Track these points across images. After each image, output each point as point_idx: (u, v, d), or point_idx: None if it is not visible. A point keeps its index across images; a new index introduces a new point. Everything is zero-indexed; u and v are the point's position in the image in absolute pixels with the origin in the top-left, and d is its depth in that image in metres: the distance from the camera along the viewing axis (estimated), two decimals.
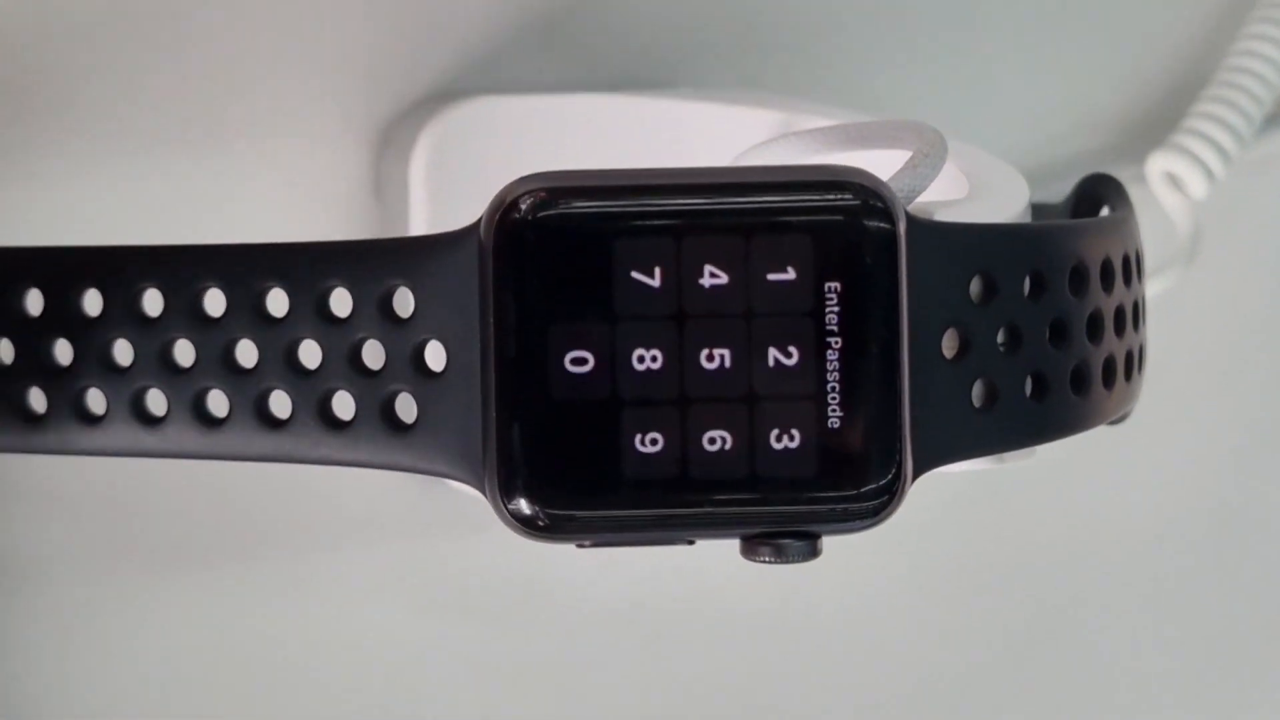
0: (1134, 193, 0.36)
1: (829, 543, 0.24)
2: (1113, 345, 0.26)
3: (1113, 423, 0.28)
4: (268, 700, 0.35)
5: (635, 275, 0.24)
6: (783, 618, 0.38)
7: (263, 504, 0.34)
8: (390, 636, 0.35)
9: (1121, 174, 0.37)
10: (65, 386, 0.25)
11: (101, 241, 0.26)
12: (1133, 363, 0.27)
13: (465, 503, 0.34)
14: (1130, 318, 0.27)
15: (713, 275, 0.24)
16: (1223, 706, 0.42)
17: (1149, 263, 0.35)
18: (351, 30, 0.33)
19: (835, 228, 0.24)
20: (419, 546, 0.35)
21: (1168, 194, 0.38)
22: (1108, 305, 0.26)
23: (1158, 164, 0.38)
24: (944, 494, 0.37)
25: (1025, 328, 0.25)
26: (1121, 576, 0.41)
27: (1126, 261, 0.27)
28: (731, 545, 0.25)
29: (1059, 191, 0.36)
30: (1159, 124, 0.39)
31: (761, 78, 0.36)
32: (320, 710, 0.35)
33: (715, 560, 0.33)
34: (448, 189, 0.32)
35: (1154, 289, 0.38)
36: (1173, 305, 0.38)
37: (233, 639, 0.35)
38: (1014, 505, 0.40)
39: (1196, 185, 0.38)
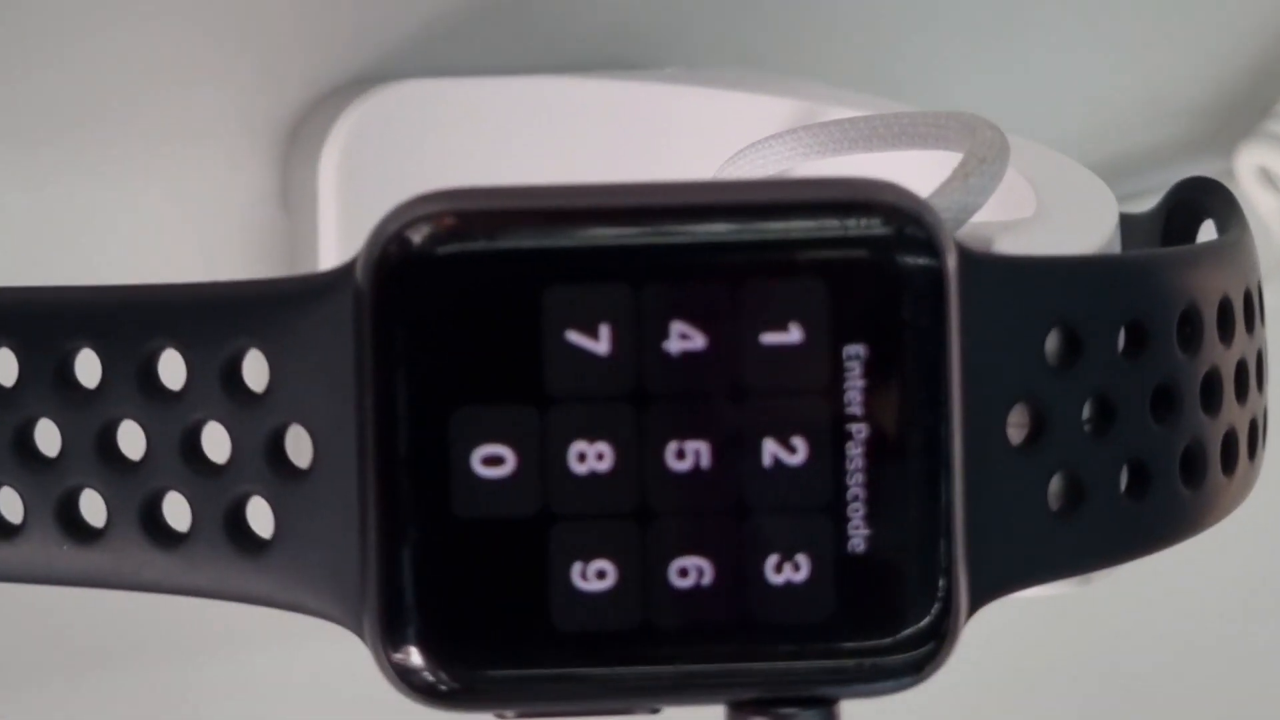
0: None
1: (850, 708, 0.20)
2: (1234, 414, 0.23)
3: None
4: None
5: (574, 338, 0.20)
6: None
7: (131, 609, 0.32)
8: None
9: (1205, 169, 0.36)
10: None
11: None
12: (1256, 435, 0.24)
13: None
14: (1254, 375, 0.23)
15: (684, 337, 0.20)
16: None
17: None
18: (250, 9, 0.32)
19: (858, 267, 0.20)
20: (310, 649, 0.33)
21: (1262, 194, 0.37)
22: (1227, 360, 0.23)
23: (1249, 157, 0.37)
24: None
25: (1121, 398, 0.21)
26: (1223, 680, 0.38)
27: (1248, 299, 0.23)
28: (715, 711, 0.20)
29: (1131, 194, 0.35)
30: (1249, 110, 0.38)
31: (764, 57, 0.34)
32: None
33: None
34: (367, 197, 0.29)
35: None
36: (1269, 326, 0.35)
37: None
38: (1078, 611, 0.37)
39: None
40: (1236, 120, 0.38)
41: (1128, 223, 0.27)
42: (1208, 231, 0.28)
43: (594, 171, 0.29)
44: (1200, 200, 0.26)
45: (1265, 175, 0.37)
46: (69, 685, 0.33)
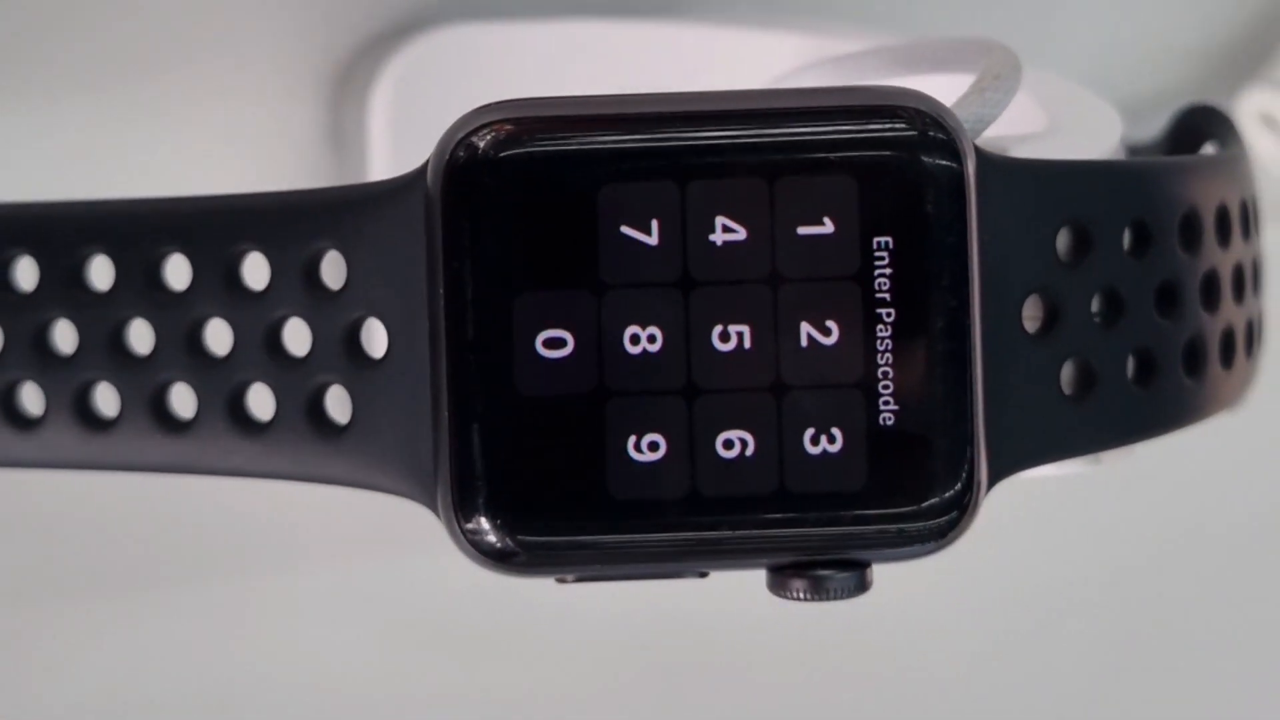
0: None
1: (880, 572, 0.21)
2: (1231, 313, 0.24)
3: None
4: None
5: (627, 231, 0.21)
6: (810, 651, 0.37)
7: (203, 522, 0.33)
8: (353, 668, 0.35)
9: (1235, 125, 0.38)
10: None
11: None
12: (1253, 335, 0.25)
13: (415, 516, 0.33)
14: (1250, 279, 0.25)
15: (727, 230, 0.21)
16: None
17: None
18: None
19: (885, 166, 0.21)
20: (386, 563, 0.34)
21: (1264, 138, 0.37)
22: (1225, 263, 0.24)
23: (1252, 101, 0.37)
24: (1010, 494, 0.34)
25: (1128, 292, 0.22)
26: (1220, 589, 0.39)
27: (1245, 209, 0.25)
28: (755, 576, 0.21)
29: (1138, 135, 0.36)
30: (1251, 55, 0.38)
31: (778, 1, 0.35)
32: None
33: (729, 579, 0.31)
34: (415, 136, 0.29)
35: None
36: (1269, 270, 0.36)
37: (175, 664, 0.34)
38: (1090, 503, 0.38)
39: None
40: (1239, 65, 0.38)
41: (1139, 147, 0.28)
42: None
43: None
44: (1202, 124, 0.27)
45: (1266, 119, 0.37)
46: (136, 598, 0.34)
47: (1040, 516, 0.38)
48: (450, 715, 0.36)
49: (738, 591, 0.32)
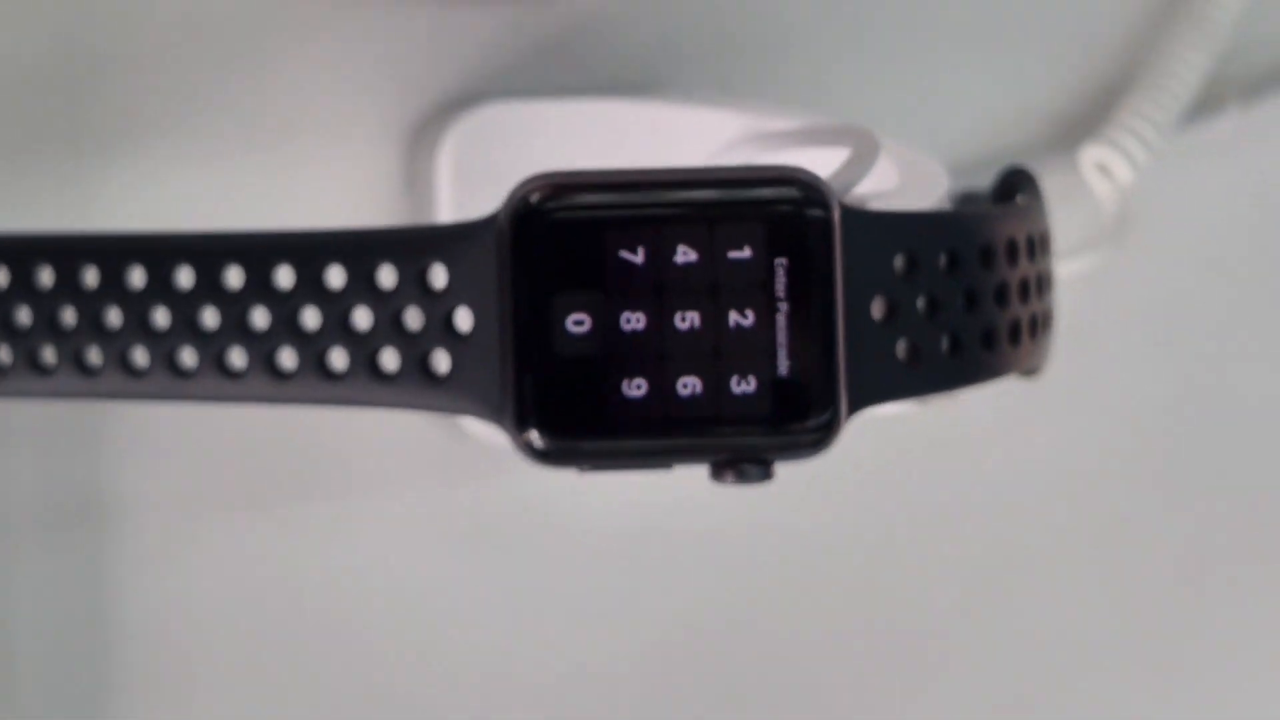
0: (1068, 179, 0.40)
1: (811, 481, 0.27)
2: (1018, 311, 0.29)
3: (1027, 375, 0.30)
4: (315, 627, 0.37)
5: (623, 254, 0.26)
6: (770, 549, 0.40)
7: (313, 453, 0.36)
8: (420, 568, 0.37)
9: (1056, 162, 0.41)
10: (162, 347, 0.28)
11: (187, 227, 0.29)
12: (1037, 325, 0.29)
13: (485, 451, 0.37)
14: (1035, 287, 0.29)
15: (684, 253, 0.26)
16: (1158, 642, 0.43)
17: (1082, 242, 0.39)
18: (383, 45, 0.35)
19: (783, 215, 0.26)
20: (446, 488, 0.37)
21: (1098, 181, 0.40)
22: (1013, 277, 0.28)
23: (1089, 154, 0.40)
24: (903, 446, 0.40)
25: (942, 297, 0.27)
26: (1061, 523, 0.42)
27: (1031, 241, 0.29)
28: (729, 490, 0.27)
29: (982, 182, 0.38)
30: (1090, 118, 0.41)
31: (733, 79, 0.38)
32: (363, 634, 0.37)
33: (706, 501, 0.36)
34: (468, 182, 0.34)
35: (1084, 266, 0.40)
36: (1104, 282, 0.40)
37: (284, 571, 0.36)
38: (971, 462, 0.41)
39: (1123, 173, 0.40)
40: (1083, 126, 0.41)
41: (977, 196, 0.33)
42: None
43: (628, 160, 0.32)
44: (1014, 181, 0.31)
45: (1101, 168, 0.40)
46: (254, 515, 0.36)
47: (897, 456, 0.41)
48: (484, 610, 0.38)
49: (706, 508, 0.37)
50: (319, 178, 0.35)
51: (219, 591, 0.36)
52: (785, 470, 0.27)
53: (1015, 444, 0.42)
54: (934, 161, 0.31)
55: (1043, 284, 0.30)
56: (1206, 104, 0.42)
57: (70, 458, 0.35)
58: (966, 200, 0.32)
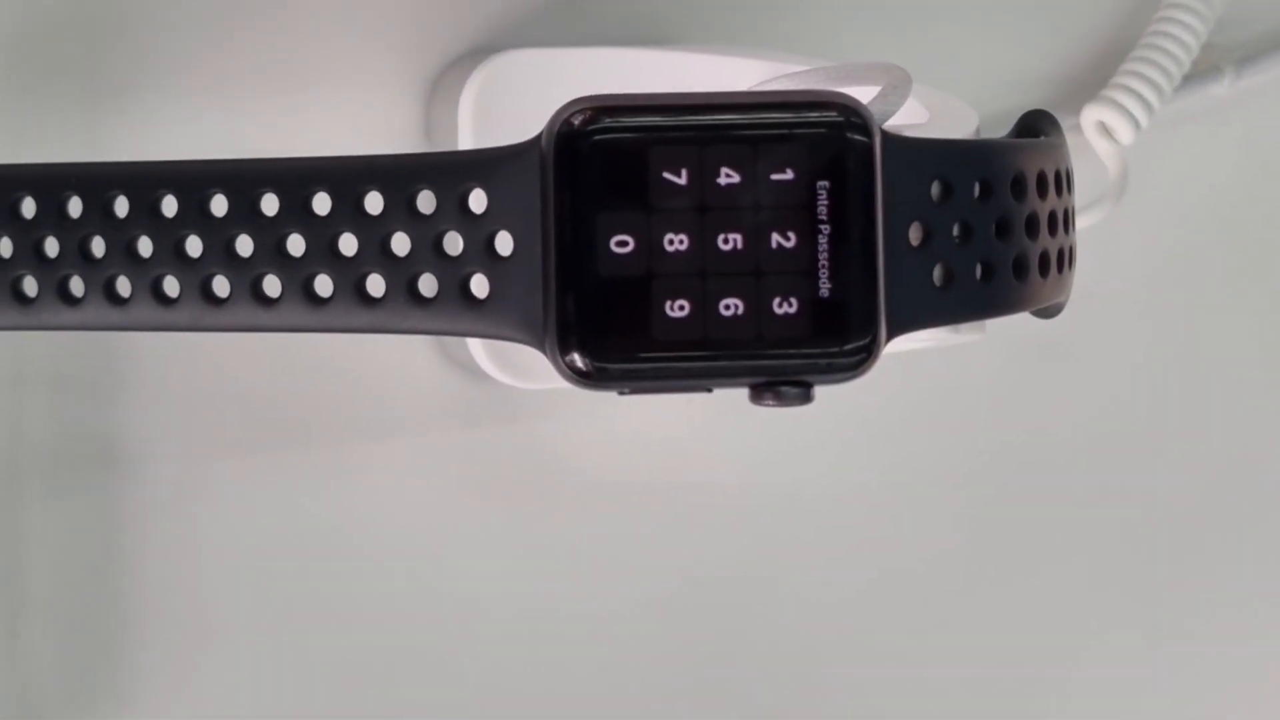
0: (1070, 140, 0.36)
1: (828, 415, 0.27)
2: (1047, 243, 0.29)
3: (1046, 314, 0.31)
4: (326, 572, 0.37)
5: (666, 175, 0.27)
6: (778, 502, 0.40)
7: (324, 398, 0.36)
8: (429, 514, 0.37)
9: (1059, 123, 0.39)
10: (194, 275, 0.28)
11: None
12: (1064, 259, 0.30)
13: (500, 392, 0.37)
14: (1061, 222, 0.30)
15: (728, 175, 0.27)
16: (1151, 585, 0.44)
17: (1083, 200, 0.39)
18: None
19: (825, 138, 0.27)
20: (456, 434, 0.37)
21: (1099, 141, 0.40)
22: (1043, 210, 0.29)
23: (1091, 115, 0.40)
24: (906, 403, 0.40)
25: (975, 224, 0.28)
26: (1065, 473, 0.43)
27: (1059, 176, 0.30)
28: (739, 443, 0.29)
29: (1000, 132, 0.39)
30: (1092, 81, 0.42)
31: (742, 36, 0.39)
32: (369, 580, 0.37)
33: (718, 450, 0.37)
34: (490, 130, 0.34)
35: (1087, 222, 0.40)
36: (1104, 237, 0.40)
37: (296, 515, 0.36)
38: (971, 419, 0.42)
39: (1124, 133, 0.40)
40: (1084, 88, 0.41)
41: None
42: None
43: None
44: (1037, 123, 0.31)
45: (1103, 127, 0.40)
46: (266, 460, 0.36)
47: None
48: (494, 555, 0.38)
49: (718, 458, 0.38)
50: (339, 126, 0.36)
51: (231, 536, 0.36)
52: (794, 425, 0.28)
53: (1013, 402, 0.42)
54: (963, 103, 0.32)
55: (1069, 219, 0.30)
56: (1202, 69, 0.43)
57: (82, 403, 0.35)
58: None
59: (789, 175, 0.27)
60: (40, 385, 0.35)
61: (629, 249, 0.27)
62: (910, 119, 0.31)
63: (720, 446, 0.37)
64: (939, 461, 0.42)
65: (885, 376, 0.29)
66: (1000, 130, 0.38)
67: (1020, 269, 0.29)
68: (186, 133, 0.35)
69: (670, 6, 0.38)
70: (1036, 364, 0.41)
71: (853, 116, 0.27)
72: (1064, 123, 0.38)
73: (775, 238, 0.27)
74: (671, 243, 0.27)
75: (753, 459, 0.38)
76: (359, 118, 0.36)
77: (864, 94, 0.29)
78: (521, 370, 0.34)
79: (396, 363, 0.36)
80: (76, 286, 0.28)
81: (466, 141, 0.35)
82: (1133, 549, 0.43)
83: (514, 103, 0.35)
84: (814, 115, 0.27)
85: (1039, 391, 0.42)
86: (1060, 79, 0.42)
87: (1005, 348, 0.39)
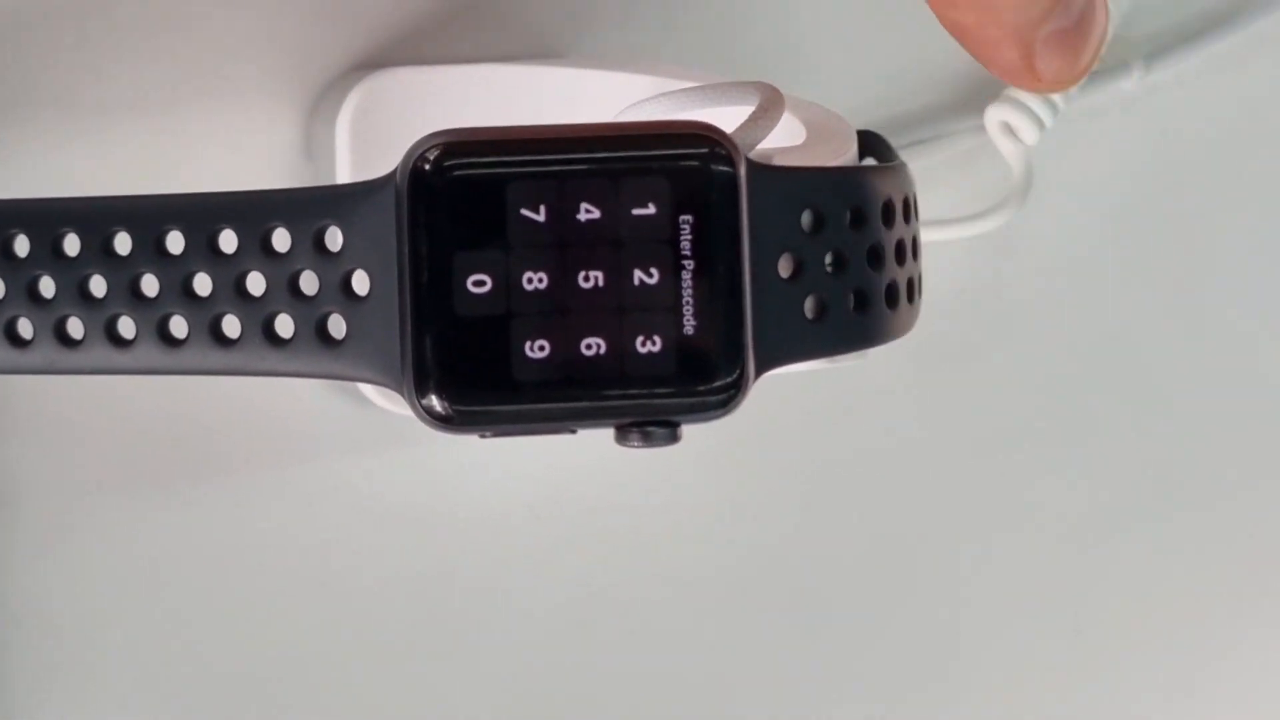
0: (974, 140, 0.40)
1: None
2: (911, 269, 0.29)
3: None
4: (215, 605, 0.37)
5: (524, 212, 0.26)
6: (678, 517, 0.40)
7: (213, 427, 0.36)
8: (325, 543, 0.38)
9: (963, 124, 0.41)
10: (48, 316, 0.27)
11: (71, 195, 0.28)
12: (915, 287, 0.30)
13: (389, 420, 0.37)
14: (911, 248, 0.29)
15: (588, 211, 0.26)
16: (1060, 606, 0.44)
17: (988, 202, 0.39)
18: (284, 10, 0.35)
19: (688, 171, 0.26)
20: (349, 460, 0.37)
21: (1003, 141, 0.40)
22: (907, 235, 0.29)
23: (994, 114, 0.40)
24: (806, 408, 0.40)
25: (848, 254, 0.28)
26: (967, 479, 0.43)
27: (906, 202, 0.29)
28: (607, 456, 0.27)
29: (908, 144, 0.40)
30: (995, 80, 0.38)
31: (637, 44, 0.39)
32: (263, 613, 0.37)
33: (598, 469, 0.37)
34: (370, 149, 0.34)
35: (992, 225, 0.40)
36: (1009, 238, 0.40)
37: (184, 552, 0.36)
38: (875, 424, 0.42)
39: (1028, 133, 0.40)
40: (987, 88, 0.41)
41: None
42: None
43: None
44: (868, 143, 0.31)
45: (1007, 128, 0.40)
46: (149, 496, 0.36)
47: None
48: (392, 585, 0.38)
49: (598, 478, 0.38)
50: (215, 147, 0.36)
51: (113, 579, 0.36)
52: (688, 437, 0.27)
53: (921, 405, 0.42)
54: (841, 117, 0.31)
55: (917, 246, 0.30)
56: (1110, 64, 0.42)
57: None
58: None
59: (650, 210, 0.26)
60: None
61: (486, 288, 0.26)
62: (786, 139, 0.30)
63: (615, 461, 0.35)
64: (840, 470, 0.42)
65: (776, 386, 0.29)
66: (903, 138, 0.39)
67: (891, 297, 0.29)
68: (55, 160, 0.35)
69: (563, 22, 0.38)
70: (939, 368, 0.41)
71: (716, 148, 0.27)
72: (967, 123, 0.41)
73: (638, 274, 0.26)
74: (530, 281, 0.26)
75: (639, 476, 0.38)
76: (237, 138, 0.36)
77: (739, 114, 0.29)
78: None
79: (284, 389, 0.36)
80: None
81: (344, 162, 0.35)
82: (1036, 555, 0.43)
83: (393, 122, 0.35)
84: (676, 148, 0.27)
85: (943, 397, 0.42)
86: (961, 77, 0.42)
87: (908, 353, 0.38)
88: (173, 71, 0.35)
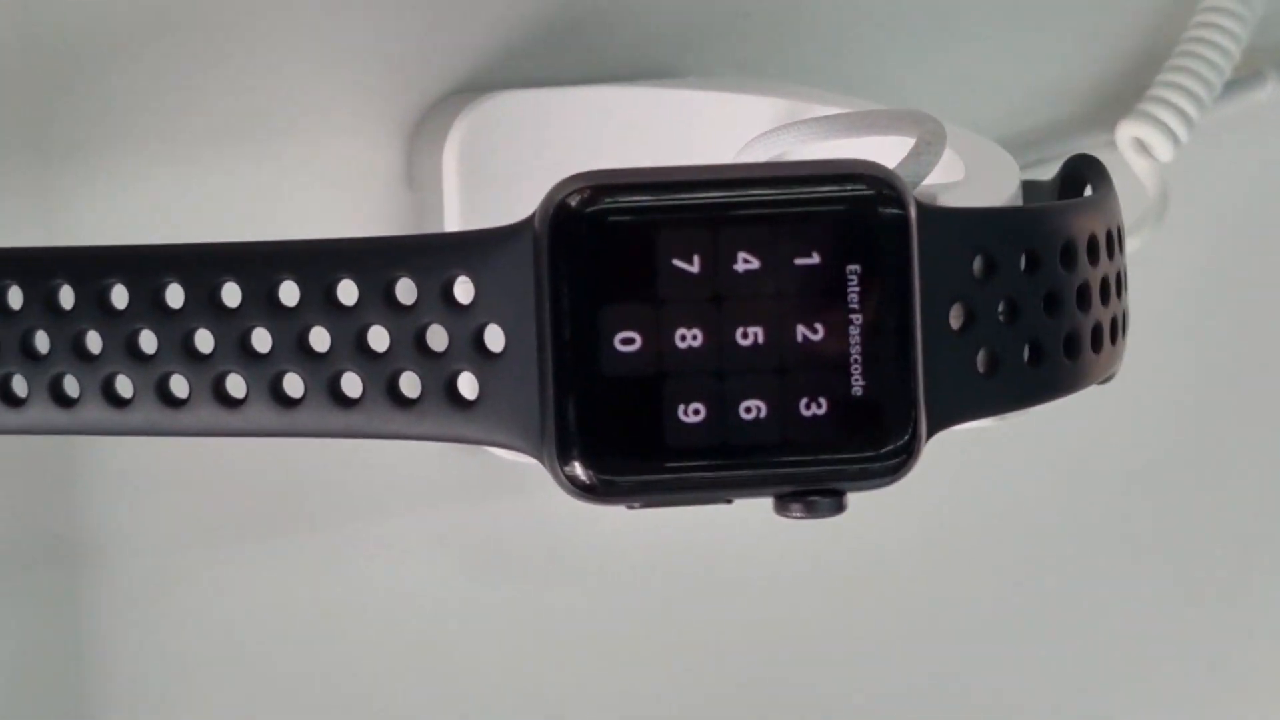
0: (1105, 158, 0.37)
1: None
2: (1099, 313, 0.28)
3: (1100, 382, 0.29)
4: (320, 659, 0.36)
5: (676, 262, 0.25)
6: (799, 573, 0.40)
7: (314, 476, 0.35)
8: (435, 595, 0.37)
9: (1093, 141, 0.41)
10: (149, 373, 0.26)
11: (174, 237, 0.28)
12: (1117, 328, 0.28)
13: (503, 467, 0.36)
14: (1114, 287, 0.28)
15: (746, 261, 0.25)
16: (1195, 615, 0.44)
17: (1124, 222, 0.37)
18: (381, 33, 0.35)
19: (855, 215, 0.25)
20: (460, 510, 0.36)
21: (1137, 159, 0.40)
22: (1094, 277, 0.27)
23: (1127, 131, 0.40)
24: (943, 453, 0.39)
25: (1022, 301, 0.26)
26: (1106, 512, 0.43)
27: (1109, 237, 0.28)
28: (759, 506, 0.26)
29: (1036, 161, 0.39)
30: (1127, 93, 0.41)
31: (752, 63, 0.38)
32: (370, 667, 0.36)
33: (736, 522, 0.35)
34: (478, 179, 0.33)
35: (1128, 248, 0.37)
36: (1145, 261, 0.39)
37: (286, 605, 0.36)
38: (1006, 455, 0.41)
39: (1163, 149, 0.40)
40: (1118, 101, 0.41)
41: (1033, 187, 0.32)
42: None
43: (652, 153, 0.33)
44: (1083, 171, 0.30)
45: (1139, 144, 0.40)
46: (247, 548, 0.35)
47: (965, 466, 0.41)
48: (501, 638, 0.37)
49: (735, 531, 0.36)
50: (312, 178, 0.35)
51: (211, 634, 0.35)
52: None
53: (1056, 431, 0.42)
54: (1002, 150, 0.30)
55: (1121, 282, 0.29)
56: (1244, 75, 0.42)
57: (40, 493, 0.34)
58: (1030, 192, 0.31)
59: (815, 259, 0.25)
60: None
61: (636, 346, 0.25)
62: (945, 175, 0.29)
63: (736, 513, 0.35)
64: (979, 502, 0.41)
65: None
66: (1028, 156, 0.37)
67: (1072, 347, 0.27)
68: (145, 191, 0.33)
69: (671, 36, 0.37)
70: (1076, 397, 0.39)
71: (884, 189, 0.25)
72: (1098, 139, 0.40)
73: (801, 330, 0.25)
74: (684, 338, 0.25)
75: (770, 524, 0.36)
76: (334, 168, 0.35)
77: (893, 146, 0.28)
78: None
79: None
80: (20, 386, 0.27)
81: (452, 193, 0.34)
82: (1179, 582, 0.43)
83: (504, 150, 0.34)
84: (841, 189, 0.25)
85: (1082, 418, 0.41)
86: (1092, 92, 0.41)
87: None
88: (268, 99, 0.34)
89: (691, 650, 0.39)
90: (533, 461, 0.34)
